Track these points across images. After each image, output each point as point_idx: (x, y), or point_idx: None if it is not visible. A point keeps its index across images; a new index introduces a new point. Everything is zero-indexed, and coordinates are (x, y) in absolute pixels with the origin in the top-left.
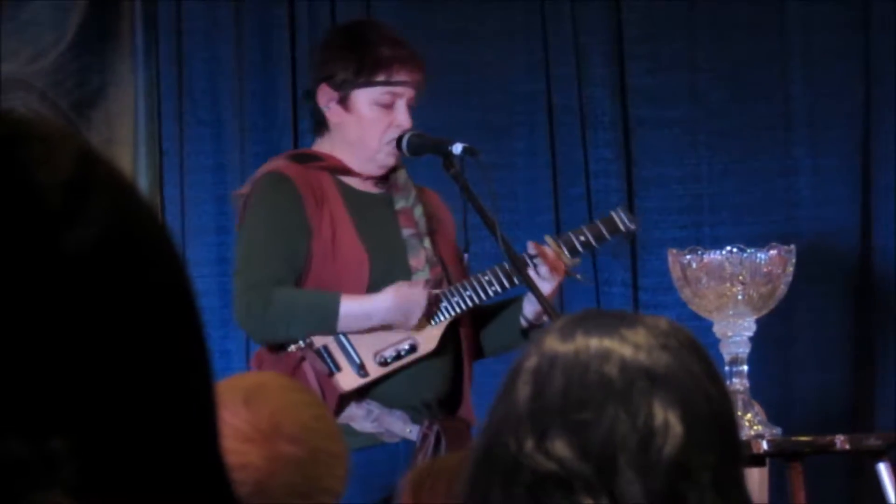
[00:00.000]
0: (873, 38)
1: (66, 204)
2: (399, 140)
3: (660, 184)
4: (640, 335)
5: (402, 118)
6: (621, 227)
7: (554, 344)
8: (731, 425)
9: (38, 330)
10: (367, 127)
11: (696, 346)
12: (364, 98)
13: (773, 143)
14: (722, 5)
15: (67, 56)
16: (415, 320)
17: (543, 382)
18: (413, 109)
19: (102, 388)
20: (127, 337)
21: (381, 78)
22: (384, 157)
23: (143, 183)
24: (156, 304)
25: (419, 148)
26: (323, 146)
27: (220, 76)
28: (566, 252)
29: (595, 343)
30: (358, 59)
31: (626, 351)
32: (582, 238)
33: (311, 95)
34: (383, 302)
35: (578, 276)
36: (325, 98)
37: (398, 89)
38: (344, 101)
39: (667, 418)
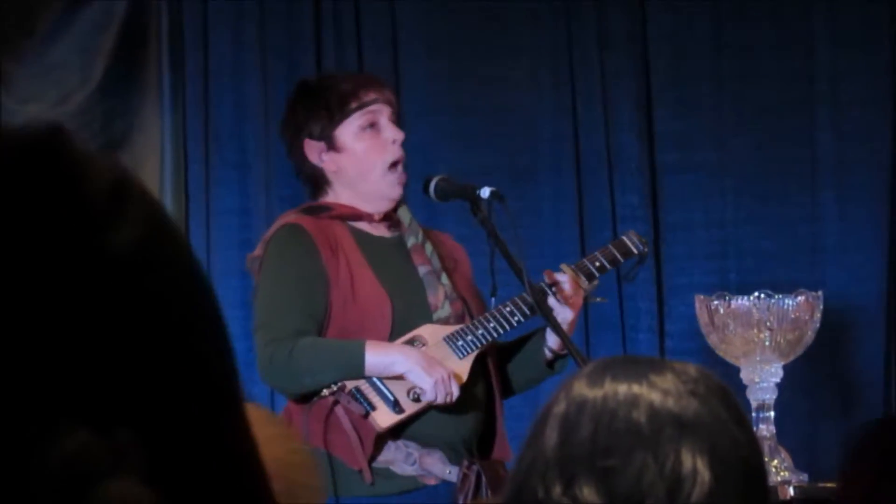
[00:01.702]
0: None
1: (110, 208)
2: (426, 185)
3: (686, 229)
4: (668, 381)
5: (391, 133)
6: (633, 249)
7: (582, 389)
8: (760, 472)
9: (95, 325)
10: (362, 157)
11: (725, 392)
12: (348, 131)
13: (800, 189)
14: (749, 52)
15: (94, 99)
16: (435, 377)
17: (571, 428)
18: (400, 126)
19: (158, 379)
20: (175, 332)
21: (353, 106)
22: (389, 187)
23: None
24: (193, 304)
25: (447, 193)
26: (327, 200)
27: (246, 120)
28: (583, 277)
29: (623, 389)
30: (325, 103)
31: (655, 397)
32: (597, 263)
33: (299, 161)
34: (409, 353)
35: (598, 299)
36: (314, 152)
37: (374, 107)
38: (332, 146)
39: (695, 465)
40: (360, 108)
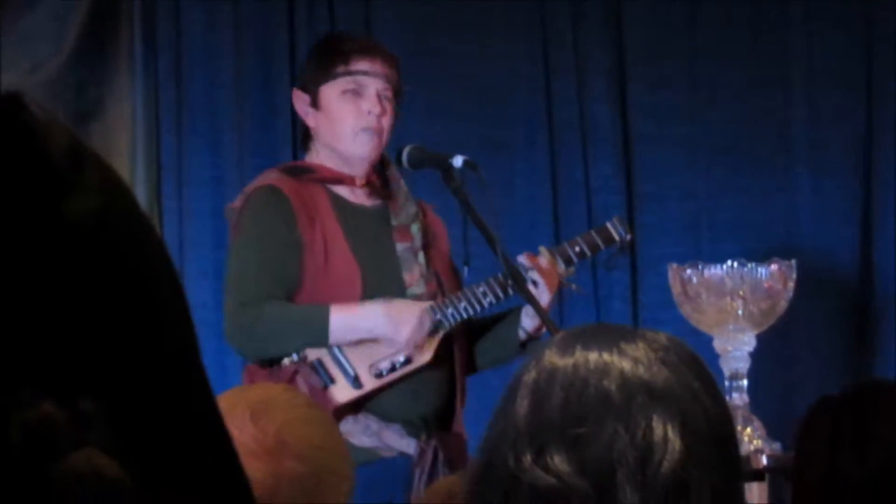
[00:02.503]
0: (874, 62)
1: (69, 171)
2: (399, 154)
3: (659, 200)
4: (639, 350)
5: (370, 104)
6: (615, 236)
7: (553, 358)
8: (731, 441)
9: (56, 294)
10: (336, 119)
11: (696, 360)
12: (330, 92)
13: (773, 164)
14: (723, 28)
15: (66, 68)
16: (405, 334)
17: (542, 397)
18: (393, 104)
19: (119, 349)
20: (135, 301)
21: (340, 69)
22: (360, 147)
23: (141, 196)
24: (152, 272)
25: (419, 161)
26: (311, 158)
27: (219, 90)
28: (561, 262)
29: (594, 357)
30: (319, 58)
31: (626, 365)
32: (577, 248)
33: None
34: (372, 312)
35: (574, 287)
36: (300, 104)
37: (361, 79)
38: (315, 102)
39: (666, 433)
40: (346, 74)
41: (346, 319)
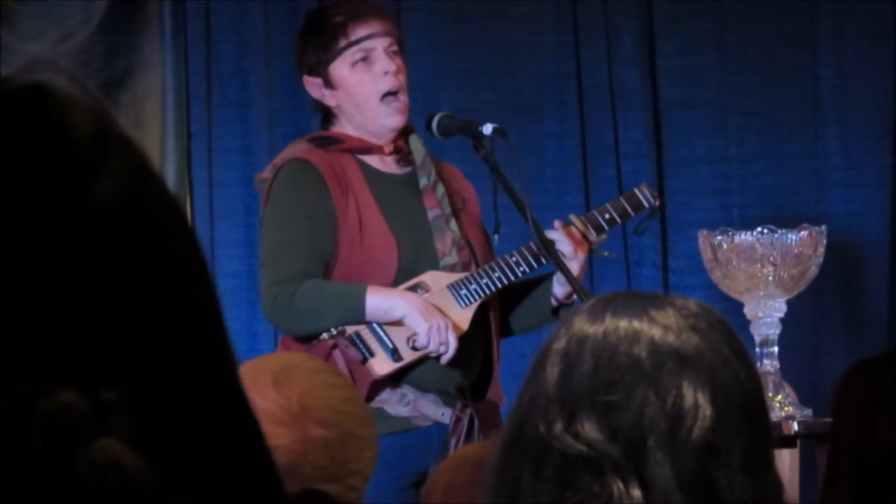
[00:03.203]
0: None
1: (94, 156)
2: (429, 122)
3: (689, 165)
4: (669, 316)
5: (383, 64)
6: (644, 203)
7: (583, 325)
8: (761, 407)
9: (79, 281)
10: (356, 90)
11: (725, 327)
12: (340, 68)
13: (803, 125)
14: None
15: (95, 37)
16: (435, 321)
17: (572, 364)
18: (403, 55)
19: (143, 337)
20: (161, 288)
21: (342, 43)
22: (386, 116)
23: (172, 164)
24: (180, 257)
25: (449, 129)
26: (338, 131)
27: (248, 57)
28: (591, 230)
29: (624, 324)
30: (316, 39)
31: (656, 332)
32: (606, 216)
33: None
34: (407, 305)
35: (605, 253)
36: (315, 88)
37: (365, 44)
38: (328, 83)
39: (696, 400)
40: (349, 45)
41: (381, 304)
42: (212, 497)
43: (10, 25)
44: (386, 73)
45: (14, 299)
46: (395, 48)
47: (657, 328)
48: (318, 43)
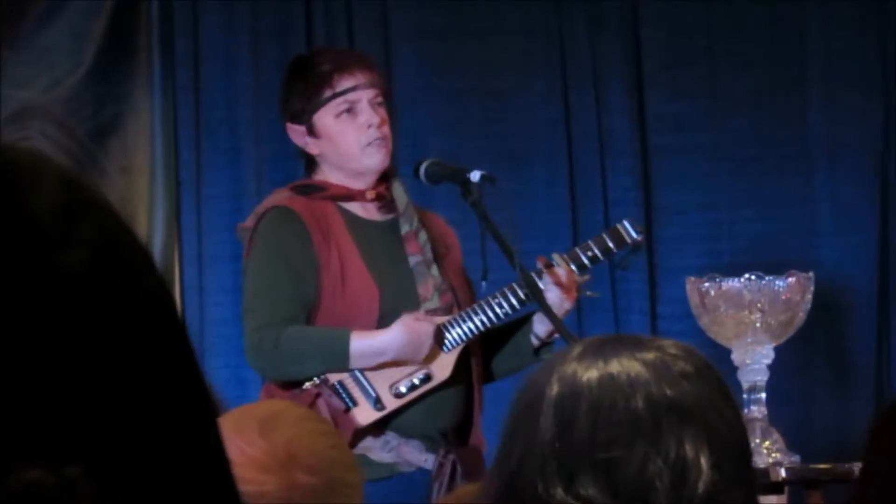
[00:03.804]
0: (892, 66)
1: (59, 228)
2: (417, 168)
3: (679, 212)
4: (659, 364)
5: (367, 116)
6: (627, 238)
7: (575, 373)
8: (749, 453)
9: (45, 355)
10: (340, 140)
11: (711, 370)
12: (324, 118)
13: (793, 171)
14: (741, 34)
15: (85, 84)
16: (425, 353)
17: (568, 418)
18: (386, 105)
19: (111, 412)
20: (128, 359)
21: (327, 94)
22: (368, 159)
23: (161, 211)
24: (149, 329)
25: (437, 176)
26: (319, 178)
27: (237, 105)
28: (575, 269)
29: (617, 373)
30: (301, 88)
31: (650, 382)
32: (589, 253)
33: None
34: (394, 338)
35: (589, 293)
36: (298, 136)
37: (350, 96)
38: (312, 131)
39: (697, 453)
40: (334, 96)
41: (366, 344)
42: None
43: (2, 75)
44: (370, 126)
45: None
46: (379, 99)
47: (650, 376)
48: (302, 91)
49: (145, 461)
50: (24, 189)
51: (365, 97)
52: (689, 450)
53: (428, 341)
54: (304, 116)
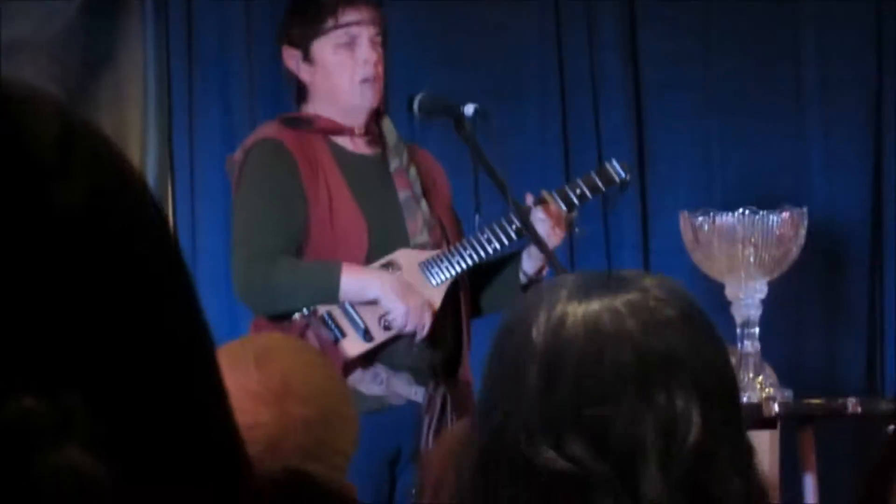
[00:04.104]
0: (885, 4)
1: (55, 160)
2: (411, 101)
3: (671, 147)
4: (645, 309)
5: (365, 53)
6: (615, 177)
7: (561, 322)
8: (738, 396)
9: (42, 284)
10: (334, 72)
11: (695, 309)
12: (323, 47)
13: (785, 109)
14: None
15: (76, 17)
16: (409, 304)
17: (554, 373)
18: (384, 45)
19: (107, 342)
20: (125, 293)
21: (330, 23)
22: (360, 98)
23: (153, 143)
24: (146, 258)
25: (430, 109)
26: (308, 111)
27: (229, 36)
28: (562, 206)
29: (604, 322)
30: (306, 13)
31: (636, 331)
32: (577, 191)
33: (283, 65)
34: (383, 284)
35: (577, 230)
36: (292, 60)
37: (353, 29)
38: (307, 57)
39: (686, 404)
40: (336, 27)
41: (356, 283)
42: (176, 499)
43: None
44: (366, 62)
45: None
46: (378, 38)
47: (636, 326)
48: (304, 17)
49: (141, 392)
50: (21, 121)
51: (366, 33)
52: (678, 403)
53: (416, 304)
54: (302, 42)
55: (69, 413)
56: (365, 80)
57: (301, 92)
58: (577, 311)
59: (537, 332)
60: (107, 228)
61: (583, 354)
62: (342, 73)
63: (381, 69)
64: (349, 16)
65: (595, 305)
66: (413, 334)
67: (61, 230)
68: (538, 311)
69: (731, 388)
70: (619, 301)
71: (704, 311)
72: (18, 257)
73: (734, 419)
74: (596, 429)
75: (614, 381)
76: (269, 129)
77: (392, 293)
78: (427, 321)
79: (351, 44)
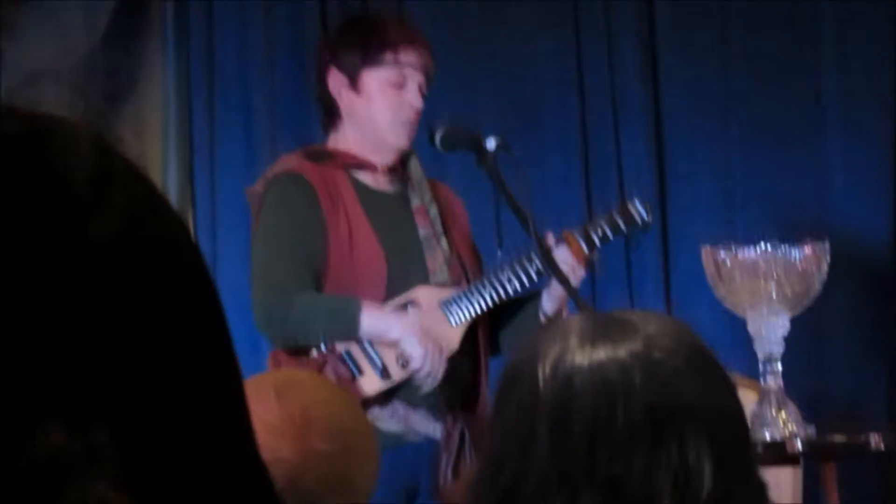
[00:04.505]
0: None
1: (92, 194)
2: (432, 135)
3: (692, 179)
4: (650, 362)
5: (412, 97)
6: (637, 218)
7: (568, 376)
8: (749, 437)
9: (76, 319)
10: (378, 107)
11: (703, 354)
12: (374, 79)
13: (805, 136)
14: None
15: (98, 49)
16: (429, 350)
17: (566, 433)
18: (424, 96)
19: (137, 378)
20: (159, 328)
21: (388, 58)
22: (396, 138)
23: (174, 175)
24: (181, 293)
25: (452, 143)
26: (337, 141)
27: (250, 67)
28: (584, 246)
29: (611, 376)
30: (364, 41)
31: (646, 386)
32: (599, 231)
33: (320, 83)
34: (404, 326)
35: (597, 269)
36: (336, 83)
37: (407, 70)
38: (354, 84)
39: (699, 455)
40: (394, 63)
41: (375, 323)
42: None
43: (13, 37)
44: (411, 106)
45: (9, 337)
46: (424, 88)
47: (644, 378)
48: (362, 44)
49: (170, 428)
50: (57, 155)
51: (417, 78)
52: (691, 455)
53: (436, 349)
54: (352, 69)
55: (98, 449)
56: (404, 123)
57: (331, 116)
58: (583, 362)
59: (544, 386)
60: (141, 262)
61: (594, 413)
62: (386, 110)
63: (417, 117)
64: (408, 56)
65: (601, 355)
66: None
67: (96, 263)
68: (543, 362)
69: (741, 427)
70: (624, 351)
71: (709, 350)
72: (52, 290)
73: (746, 457)
74: (610, 486)
75: (627, 437)
76: (290, 162)
77: (412, 336)
78: (442, 367)
79: (402, 84)
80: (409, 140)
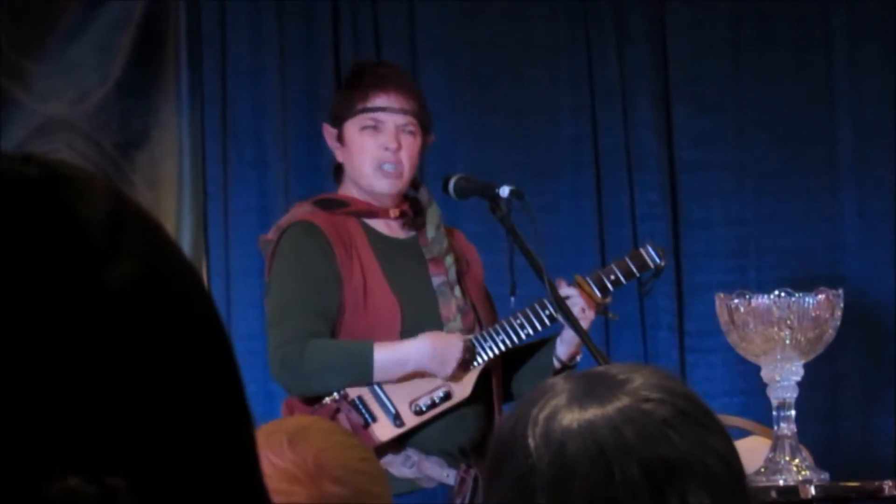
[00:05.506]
0: None
1: (107, 240)
2: (446, 183)
3: (706, 226)
4: (639, 418)
5: (386, 139)
6: (650, 263)
7: (560, 446)
8: (743, 477)
9: (88, 365)
10: (356, 153)
11: (690, 401)
12: (352, 128)
13: (819, 187)
14: (767, 48)
15: (112, 97)
16: (450, 369)
17: (564, 501)
18: (420, 135)
19: (153, 425)
20: (173, 376)
21: (359, 105)
22: (378, 184)
23: (188, 224)
24: (196, 341)
25: (466, 191)
26: (343, 192)
27: (264, 118)
28: (597, 291)
29: (604, 438)
30: (345, 94)
31: (639, 444)
32: (612, 276)
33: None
34: (419, 348)
35: (611, 315)
36: (330, 139)
37: (380, 115)
38: (340, 137)
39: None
40: (364, 110)
41: (390, 356)
42: None
43: (28, 86)
44: (386, 149)
45: (26, 383)
46: (411, 128)
47: (636, 436)
48: (342, 97)
49: (184, 474)
50: (74, 201)
51: (393, 121)
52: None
53: (455, 356)
54: (337, 122)
55: (114, 494)
56: (381, 167)
57: (338, 172)
58: (572, 425)
59: (538, 455)
60: (154, 310)
61: (592, 478)
62: (363, 157)
63: (405, 158)
64: (378, 100)
65: (589, 415)
66: (445, 418)
67: (110, 310)
68: (533, 429)
69: (736, 468)
70: (612, 409)
71: (695, 395)
72: (68, 338)
73: (743, 498)
74: None
75: (628, 498)
76: (302, 211)
77: (430, 359)
78: (455, 359)
79: (375, 128)
80: (392, 185)
